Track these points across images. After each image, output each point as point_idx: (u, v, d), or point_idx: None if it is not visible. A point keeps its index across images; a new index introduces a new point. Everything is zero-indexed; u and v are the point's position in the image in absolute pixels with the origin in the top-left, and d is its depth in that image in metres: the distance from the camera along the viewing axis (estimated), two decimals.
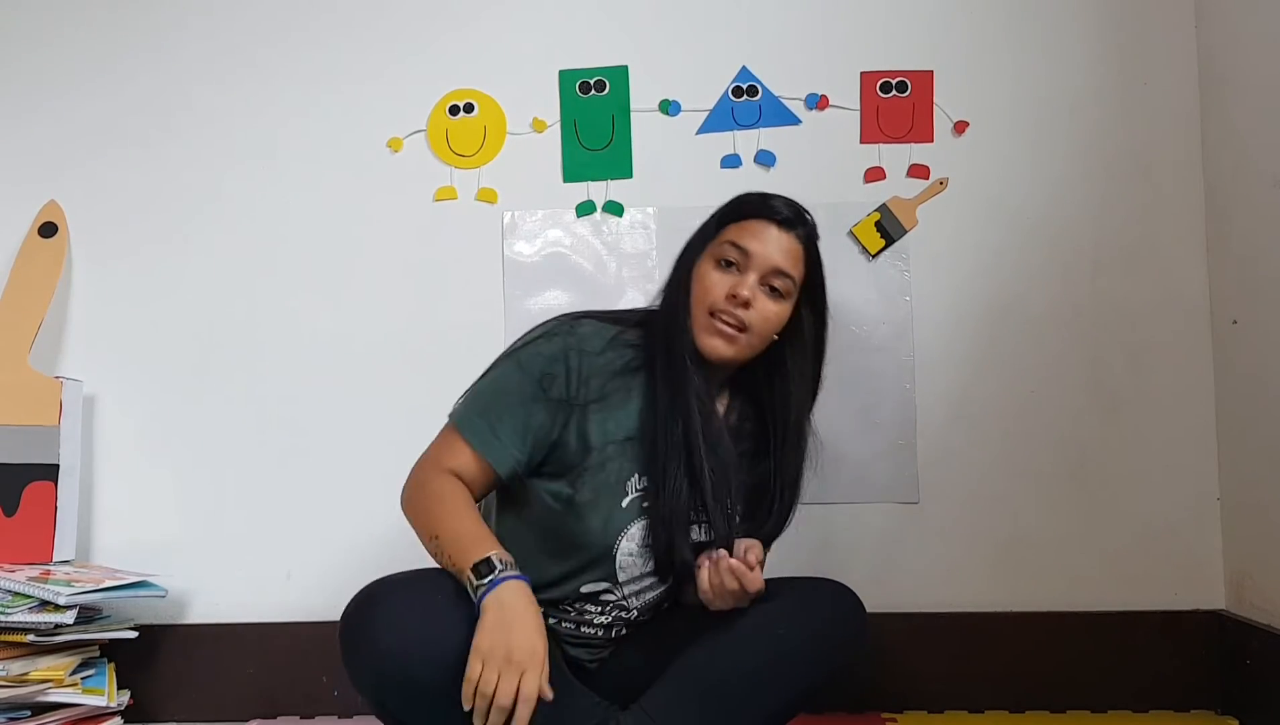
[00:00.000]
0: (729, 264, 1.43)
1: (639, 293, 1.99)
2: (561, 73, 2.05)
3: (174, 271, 2.09)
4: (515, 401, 1.40)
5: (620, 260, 2.03)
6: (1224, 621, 1.89)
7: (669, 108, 2.04)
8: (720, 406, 1.51)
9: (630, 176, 2.03)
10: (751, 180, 2.01)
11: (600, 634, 1.47)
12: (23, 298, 2.02)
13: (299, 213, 2.08)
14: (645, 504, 1.42)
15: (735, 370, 1.49)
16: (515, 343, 1.46)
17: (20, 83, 2.13)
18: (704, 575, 1.36)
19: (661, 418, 1.40)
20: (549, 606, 1.43)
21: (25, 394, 1.96)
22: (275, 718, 1.99)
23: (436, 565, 1.38)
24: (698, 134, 2.03)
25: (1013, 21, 2.00)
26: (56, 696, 1.79)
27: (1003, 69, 2.00)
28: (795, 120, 2.02)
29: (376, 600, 1.27)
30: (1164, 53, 1.97)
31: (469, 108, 2.07)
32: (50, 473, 1.95)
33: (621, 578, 1.44)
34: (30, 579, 1.78)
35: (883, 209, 2.00)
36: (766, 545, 1.49)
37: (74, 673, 1.82)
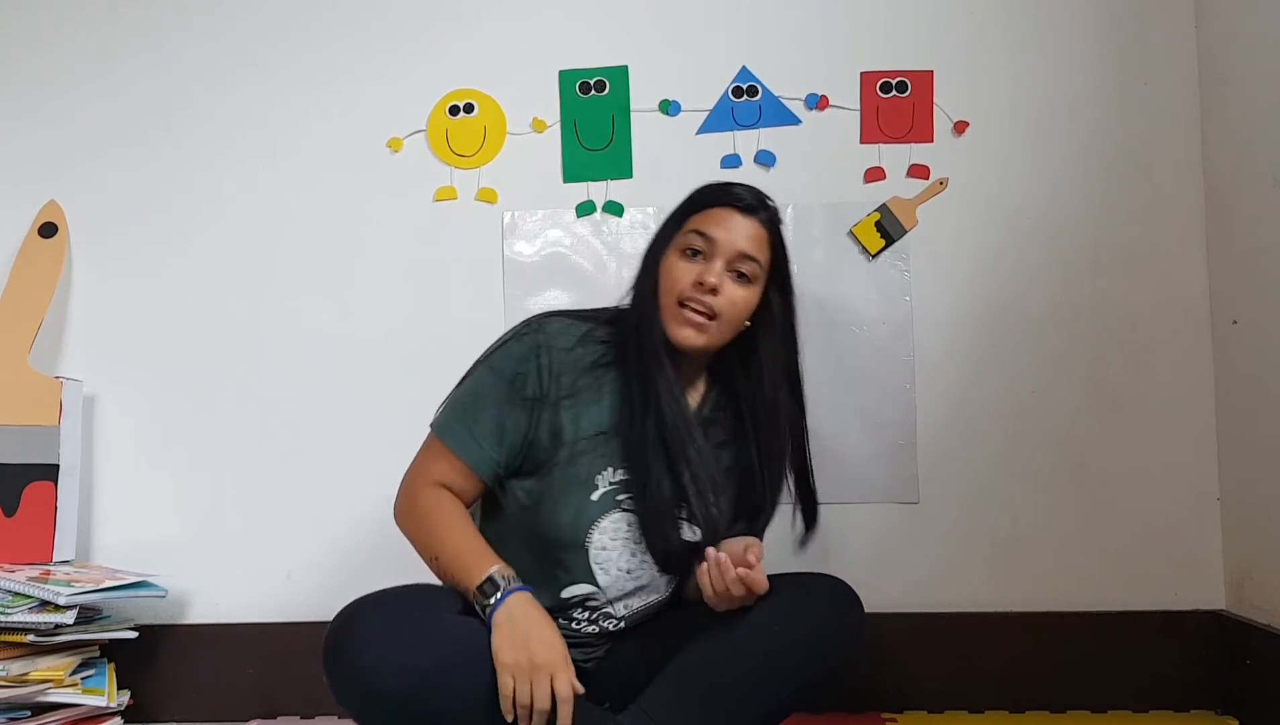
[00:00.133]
0: (695, 253, 1.44)
1: None
2: (561, 73, 2.05)
3: (174, 271, 2.09)
4: (490, 405, 1.42)
5: (620, 260, 2.03)
6: (1224, 621, 1.89)
7: (669, 108, 2.04)
8: (696, 396, 1.52)
9: (630, 176, 2.03)
10: (752, 180, 1.96)
11: (594, 635, 1.48)
12: (23, 298, 2.02)
13: (299, 213, 2.08)
14: (619, 497, 1.44)
15: (710, 359, 1.51)
16: (489, 348, 1.48)
17: (20, 83, 2.13)
18: (706, 581, 1.37)
19: (635, 412, 1.42)
20: None
21: (25, 394, 1.96)
22: (275, 718, 1.99)
23: (422, 579, 1.42)
24: (698, 134, 2.03)
25: (1013, 21, 2.00)
26: (56, 696, 1.79)
27: (1003, 69, 2.00)
28: (795, 120, 2.02)
29: (358, 617, 1.28)
30: (1164, 53, 1.97)
31: (469, 108, 2.07)
32: (50, 473, 1.95)
33: (603, 580, 1.44)
34: (30, 579, 1.78)
35: (883, 209, 2.00)
36: (760, 533, 1.49)
37: (74, 673, 1.82)
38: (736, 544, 1.39)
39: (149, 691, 1.98)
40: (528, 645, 1.28)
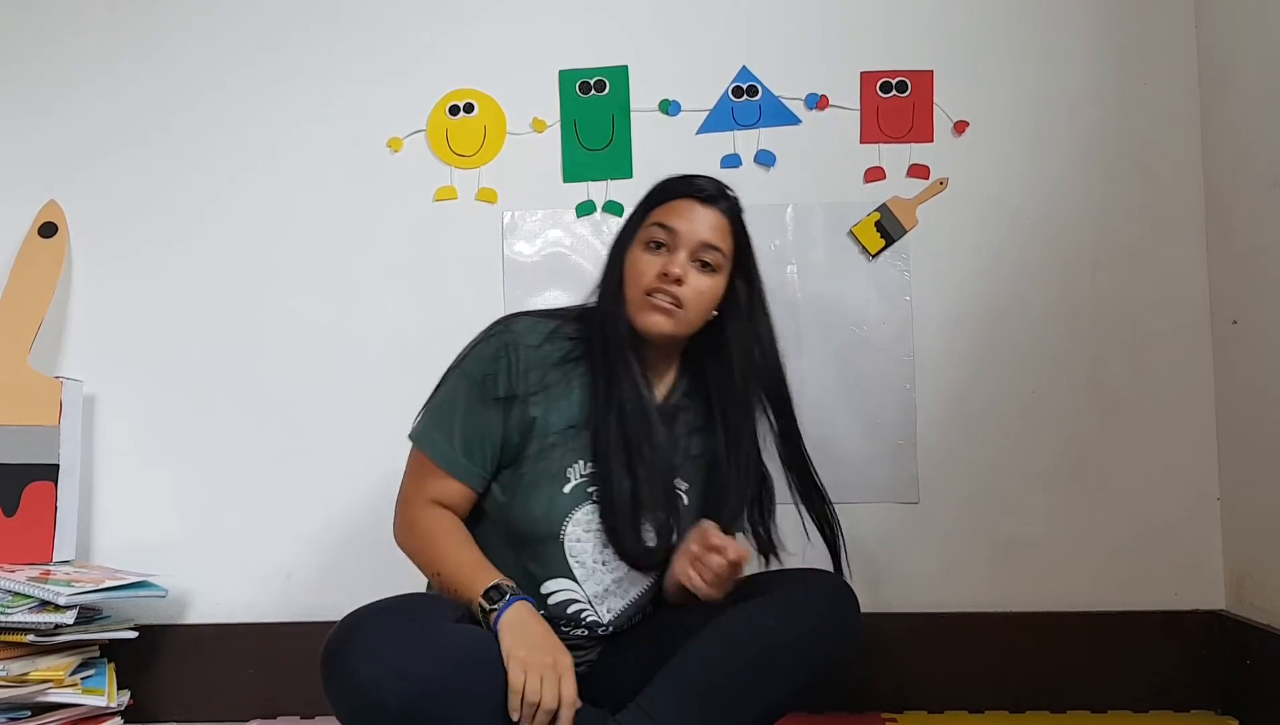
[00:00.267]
0: (658, 245, 1.45)
1: None
2: (561, 73, 2.05)
3: (174, 271, 2.09)
4: (469, 413, 1.43)
5: None
6: (1224, 621, 1.89)
7: (669, 108, 2.04)
8: (665, 386, 1.52)
9: (630, 176, 2.03)
10: (752, 180, 2.01)
11: (584, 638, 1.48)
12: (23, 298, 2.02)
13: (299, 213, 2.08)
14: (589, 489, 1.45)
15: (682, 349, 1.52)
16: (459, 353, 1.49)
17: (20, 83, 2.13)
18: (691, 574, 1.38)
19: (600, 405, 1.44)
20: None
21: (25, 394, 1.96)
22: (275, 718, 1.99)
23: (421, 584, 1.45)
24: (698, 134, 2.03)
25: (1013, 21, 2.00)
26: (56, 696, 1.79)
27: (1003, 69, 2.00)
28: (795, 120, 2.02)
29: (354, 630, 1.27)
30: (1164, 53, 1.97)
31: (469, 108, 2.07)
32: (50, 473, 1.95)
33: (579, 573, 1.45)
34: (30, 579, 1.78)
35: (883, 209, 2.00)
36: (730, 520, 1.49)
37: (74, 673, 1.82)
38: (696, 534, 1.40)
39: (149, 691, 1.98)
40: (539, 645, 1.31)
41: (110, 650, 1.93)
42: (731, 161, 2.02)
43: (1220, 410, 1.93)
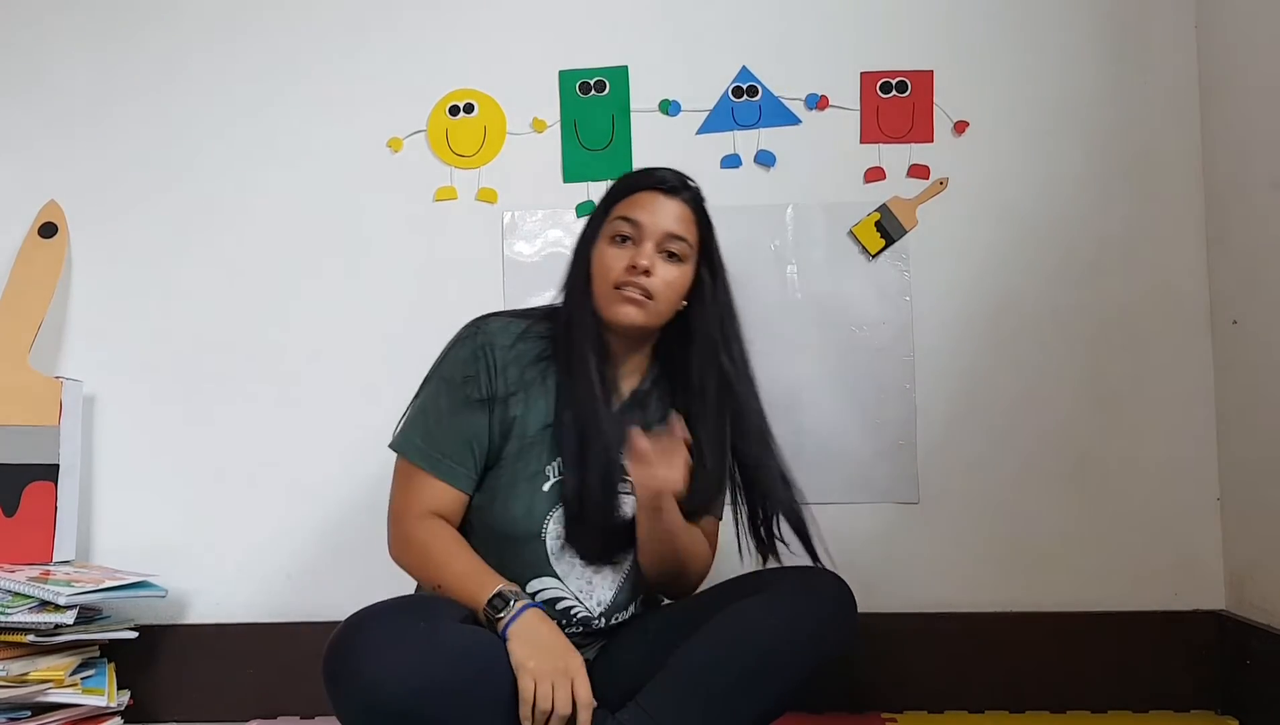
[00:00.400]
0: (624, 239, 1.46)
1: None
2: (561, 73, 2.05)
3: (174, 271, 2.09)
4: (453, 418, 1.44)
5: None
6: (1224, 621, 1.89)
7: (669, 108, 2.04)
8: (636, 378, 1.52)
9: None
10: (752, 180, 2.01)
11: (579, 635, 1.48)
12: (23, 298, 2.02)
13: (299, 212, 2.08)
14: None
15: (653, 341, 1.52)
16: (436, 359, 1.50)
17: (21, 83, 2.13)
18: (638, 475, 1.39)
19: (561, 404, 1.45)
20: None
21: (25, 394, 1.96)
22: (275, 718, 1.99)
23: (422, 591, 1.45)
24: (698, 134, 2.03)
25: (1013, 21, 2.00)
26: (56, 697, 1.79)
27: (1003, 69, 2.00)
28: (795, 120, 2.02)
29: (358, 631, 1.27)
30: (1164, 53, 1.97)
31: (469, 108, 2.07)
32: (50, 473, 1.95)
33: (560, 569, 1.46)
34: (30, 579, 1.78)
35: (883, 209, 2.00)
36: (703, 502, 1.49)
37: (74, 673, 1.81)
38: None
39: (149, 691, 1.98)
40: (550, 652, 1.31)
41: (110, 650, 1.93)
42: (731, 161, 2.02)
43: (1220, 410, 1.93)
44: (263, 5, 2.10)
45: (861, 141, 2.01)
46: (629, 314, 1.44)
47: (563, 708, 1.29)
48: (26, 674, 1.76)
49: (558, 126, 2.05)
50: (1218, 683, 1.88)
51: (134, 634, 1.92)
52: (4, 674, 1.73)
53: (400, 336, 2.05)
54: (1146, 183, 1.97)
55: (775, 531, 1.52)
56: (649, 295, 1.43)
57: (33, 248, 2.06)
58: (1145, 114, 1.97)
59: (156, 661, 2.00)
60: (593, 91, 2.05)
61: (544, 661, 1.30)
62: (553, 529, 1.45)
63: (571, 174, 2.05)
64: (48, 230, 2.08)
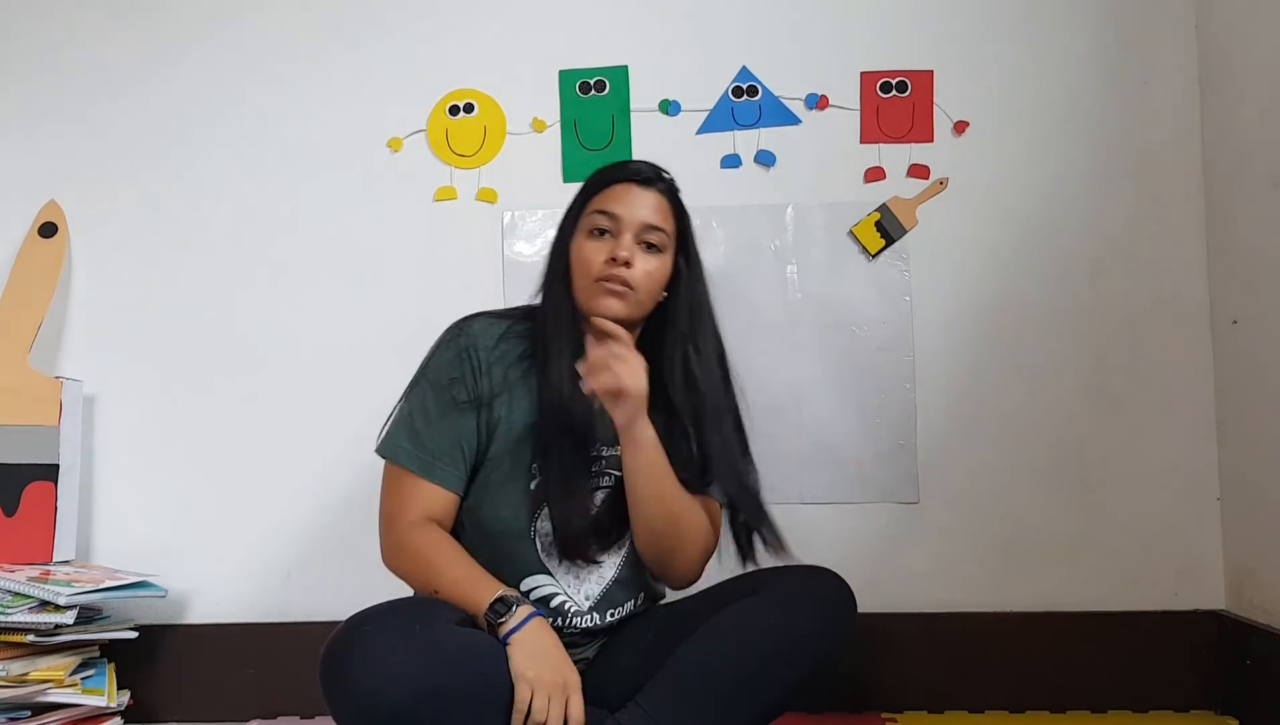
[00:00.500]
0: (602, 232, 1.47)
1: None
2: (561, 73, 2.05)
3: (174, 271, 2.09)
4: (441, 420, 1.44)
5: None
6: (1224, 621, 1.89)
7: (669, 108, 2.04)
8: None
9: None
10: (752, 180, 2.01)
11: (575, 634, 1.48)
12: (23, 298, 2.02)
13: (299, 213, 2.08)
14: None
15: (636, 333, 1.51)
16: (422, 362, 1.50)
17: (21, 83, 2.13)
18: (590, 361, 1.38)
19: (538, 402, 1.45)
20: None
21: (25, 394, 1.96)
22: (275, 718, 1.99)
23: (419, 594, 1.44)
24: (698, 134, 2.03)
25: (1013, 21, 2.00)
26: (56, 697, 1.79)
27: (1003, 69, 2.00)
28: (795, 120, 2.02)
29: (355, 633, 1.27)
30: (1164, 53, 1.97)
31: (469, 108, 2.07)
32: (50, 473, 1.95)
33: (551, 565, 1.46)
34: (30, 579, 1.78)
35: (883, 209, 2.00)
36: (705, 483, 1.49)
37: (74, 673, 1.82)
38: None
39: (149, 691, 1.98)
40: (551, 664, 1.31)
41: (110, 650, 1.93)
42: (731, 161, 2.02)
43: (1220, 410, 1.93)
44: (263, 6, 2.10)
45: (861, 141, 2.01)
46: (611, 306, 1.44)
47: (556, 721, 1.29)
48: (26, 674, 1.76)
49: (558, 126, 2.05)
50: (1218, 683, 1.88)
51: (134, 634, 1.92)
52: (4, 674, 1.73)
53: (400, 336, 2.03)
54: (1147, 182, 1.97)
55: (759, 532, 1.51)
56: (630, 286, 1.44)
57: (33, 247, 2.06)
58: (1145, 114, 1.97)
59: (156, 661, 2.00)
60: (593, 91, 2.05)
61: (544, 673, 1.30)
62: (541, 527, 1.45)
63: (572, 174, 2.04)
64: (48, 230, 2.08)
